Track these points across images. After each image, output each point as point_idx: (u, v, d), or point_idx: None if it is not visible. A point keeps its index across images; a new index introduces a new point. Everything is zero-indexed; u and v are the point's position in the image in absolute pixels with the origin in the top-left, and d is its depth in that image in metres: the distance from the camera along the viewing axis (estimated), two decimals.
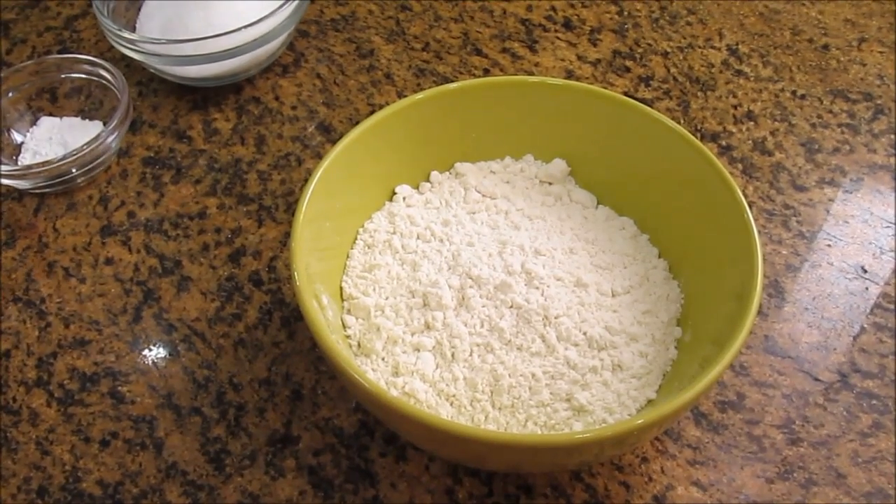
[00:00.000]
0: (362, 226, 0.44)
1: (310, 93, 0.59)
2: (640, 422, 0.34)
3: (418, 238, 0.43)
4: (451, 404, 0.38)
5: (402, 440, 0.42)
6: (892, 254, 0.50)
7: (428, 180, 0.47)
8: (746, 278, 0.37)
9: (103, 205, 0.54)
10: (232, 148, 0.56)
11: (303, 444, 0.43)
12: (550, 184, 0.47)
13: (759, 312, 0.47)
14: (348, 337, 0.41)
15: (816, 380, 0.45)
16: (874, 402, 0.44)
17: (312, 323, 0.36)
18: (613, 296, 0.42)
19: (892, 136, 0.56)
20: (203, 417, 0.44)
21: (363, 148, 0.43)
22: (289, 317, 0.47)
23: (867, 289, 0.49)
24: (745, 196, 0.52)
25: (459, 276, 0.40)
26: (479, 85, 0.46)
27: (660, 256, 0.44)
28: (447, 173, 0.47)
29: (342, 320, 0.41)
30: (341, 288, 0.42)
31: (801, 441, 0.43)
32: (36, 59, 0.58)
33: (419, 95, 0.45)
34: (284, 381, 0.45)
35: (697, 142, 0.42)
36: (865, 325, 0.47)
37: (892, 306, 0.48)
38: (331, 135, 0.57)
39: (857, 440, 0.43)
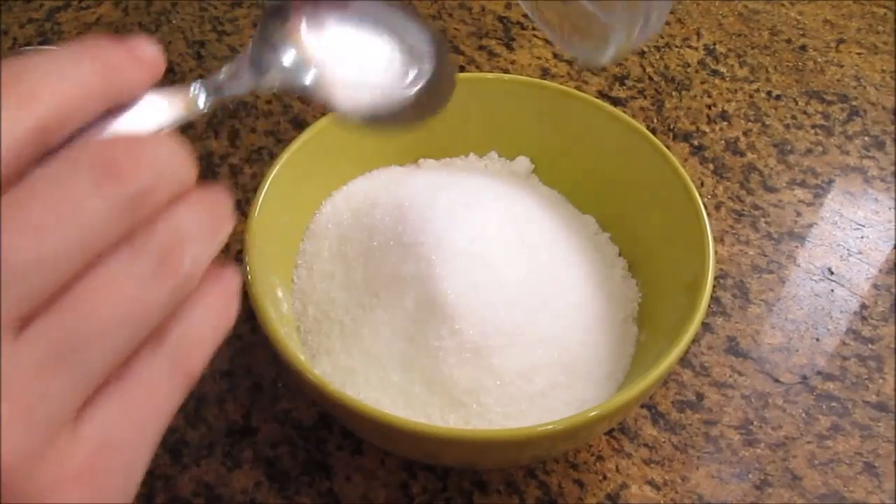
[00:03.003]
0: (312, 217, 0.45)
1: None
2: (592, 415, 0.34)
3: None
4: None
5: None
6: (860, 256, 0.50)
7: None
8: (698, 271, 0.37)
9: None
10: (205, 141, 0.56)
11: (261, 436, 0.43)
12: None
13: (723, 313, 0.47)
14: (300, 330, 0.41)
15: (777, 381, 0.45)
16: (833, 404, 0.44)
17: (262, 318, 0.36)
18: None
19: (866, 138, 0.56)
20: None
21: (326, 142, 0.43)
22: (253, 310, 0.47)
23: (833, 291, 0.49)
24: (715, 196, 0.52)
25: None
26: None
27: (619, 255, 0.44)
28: (409, 167, 0.47)
29: (297, 312, 0.41)
30: (293, 279, 0.42)
31: (759, 442, 0.43)
32: (14, 50, 0.59)
33: None
34: (245, 373, 0.45)
35: (652, 137, 0.42)
36: (829, 328, 0.47)
37: (857, 308, 0.48)
38: (304, 129, 0.57)
39: (815, 442, 0.43)
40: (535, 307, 0.40)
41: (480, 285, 0.39)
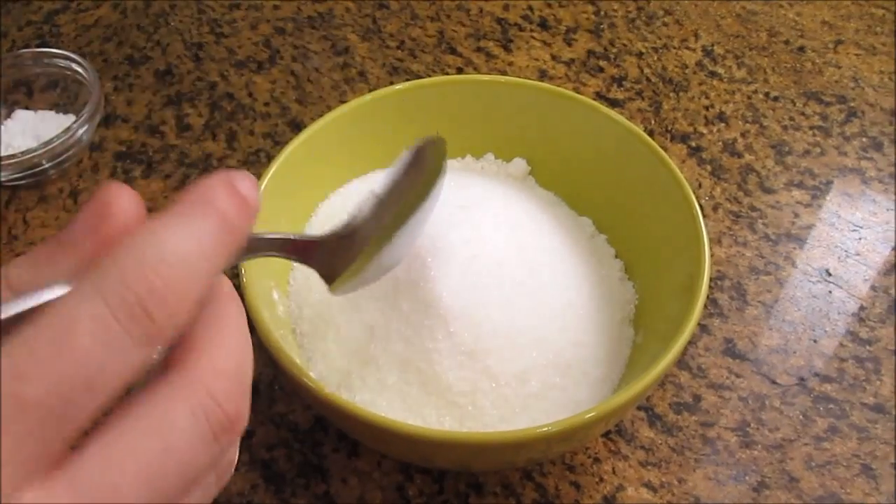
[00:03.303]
0: (309, 218, 0.45)
1: (283, 89, 0.60)
2: (588, 417, 0.33)
3: None
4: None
5: None
6: (858, 257, 0.50)
7: None
8: (694, 273, 0.37)
9: (73, 198, 0.54)
10: (203, 143, 0.56)
11: (256, 439, 0.43)
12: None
13: (720, 315, 0.47)
14: (296, 332, 0.41)
15: (774, 383, 0.45)
16: (831, 406, 0.44)
17: (257, 321, 0.36)
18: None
19: (864, 140, 0.56)
20: None
21: (322, 145, 0.43)
22: (248, 313, 0.47)
23: (830, 292, 0.49)
24: (713, 197, 0.52)
25: None
26: (439, 83, 0.46)
27: (616, 257, 0.44)
28: None
29: (292, 315, 0.41)
30: (288, 282, 0.42)
31: (756, 444, 0.42)
32: (13, 52, 0.59)
33: (381, 92, 0.45)
34: None
35: (649, 139, 0.42)
36: (827, 329, 0.47)
37: (855, 310, 0.48)
38: (301, 131, 0.57)
39: (812, 444, 0.42)
40: (531, 309, 0.40)
41: (476, 287, 0.39)
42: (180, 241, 0.20)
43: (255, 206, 0.22)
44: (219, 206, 0.21)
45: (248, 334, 0.23)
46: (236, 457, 0.24)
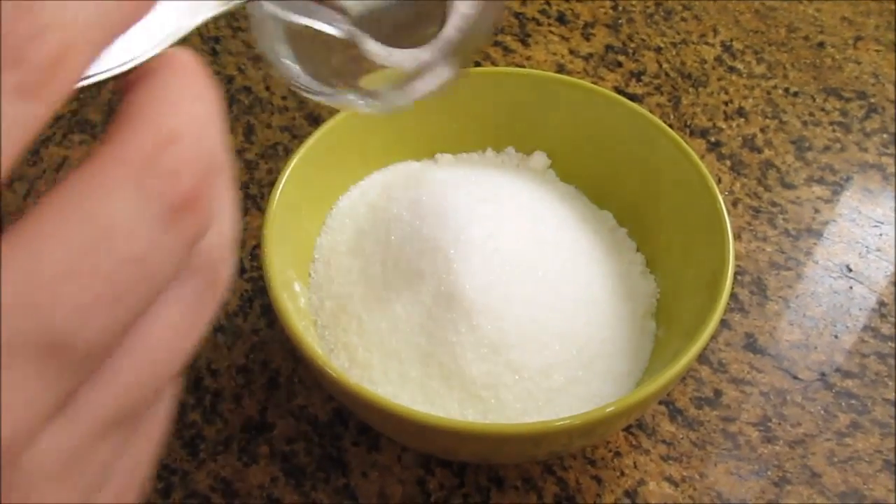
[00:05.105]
0: (330, 211, 0.45)
1: None
2: (609, 410, 0.33)
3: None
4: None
5: (375, 430, 0.42)
6: (879, 253, 0.50)
7: None
8: (718, 268, 0.37)
9: None
10: None
11: (277, 432, 0.43)
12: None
13: (741, 310, 0.47)
14: (317, 325, 0.41)
15: (795, 378, 0.45)
16: (853, 401, 0.44)
17: (280, 311, 0.36)
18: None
19: (885, 135, 0.56)
20: (179, 402, 0.44)
21: (342, 138, 0.43)
22: (269, 305, 0.47)
23: (851, 288, 0.48)
24: (732, 193, 0.52)
25: None
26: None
27: (637, 251, 0.44)
28: (426, 162, 0.47)
29: (313, 307, 0.41)
30: (309, 274, 0.42)
31: (777, 439, 0.42)
32: None
33: None
34: (262, 368, 0.45)
35: (671, 132, 0.42)
36: (848, 325, 0.47)
37: (876, 306, 0.48)
38: (320, 125, 0.57)
39: (834, 440, 0.42)
40: (553, 303, 0.40)
41: (498, 281, 0.39)
42: None
43: None
44: None
45: (215, 103, 0.17)
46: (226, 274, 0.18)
